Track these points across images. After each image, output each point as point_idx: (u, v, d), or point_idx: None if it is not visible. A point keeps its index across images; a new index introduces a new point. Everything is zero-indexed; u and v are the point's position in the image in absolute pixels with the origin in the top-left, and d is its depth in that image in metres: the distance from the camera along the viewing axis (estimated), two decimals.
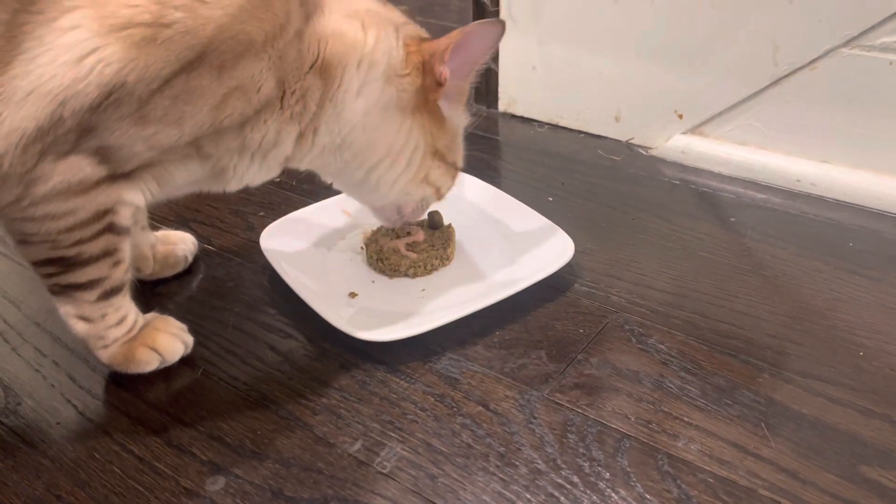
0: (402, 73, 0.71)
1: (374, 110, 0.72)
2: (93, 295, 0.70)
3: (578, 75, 1.21)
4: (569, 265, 0.86)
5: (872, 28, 0.94)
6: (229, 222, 1.03)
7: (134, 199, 0.68)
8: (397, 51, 0.71)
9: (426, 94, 0.73)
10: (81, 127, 0.60)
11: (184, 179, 0.70)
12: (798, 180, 1.05)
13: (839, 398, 0.71)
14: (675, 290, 0.86)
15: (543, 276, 0.83)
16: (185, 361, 0.78)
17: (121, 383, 0.76)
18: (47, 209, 0.62)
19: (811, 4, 0.97)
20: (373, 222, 0.94)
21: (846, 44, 0.97)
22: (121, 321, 0.73)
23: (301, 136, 0.70)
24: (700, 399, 0.71)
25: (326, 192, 1.03)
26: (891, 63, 0.95)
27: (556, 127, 1.26)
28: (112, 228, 0.67)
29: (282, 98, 0.66)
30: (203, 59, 0.60)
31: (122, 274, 0.71)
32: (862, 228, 0.97)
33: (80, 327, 0.72)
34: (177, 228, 1.01)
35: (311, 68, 0.67)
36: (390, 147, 0.74)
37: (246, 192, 1.07)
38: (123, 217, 0.68)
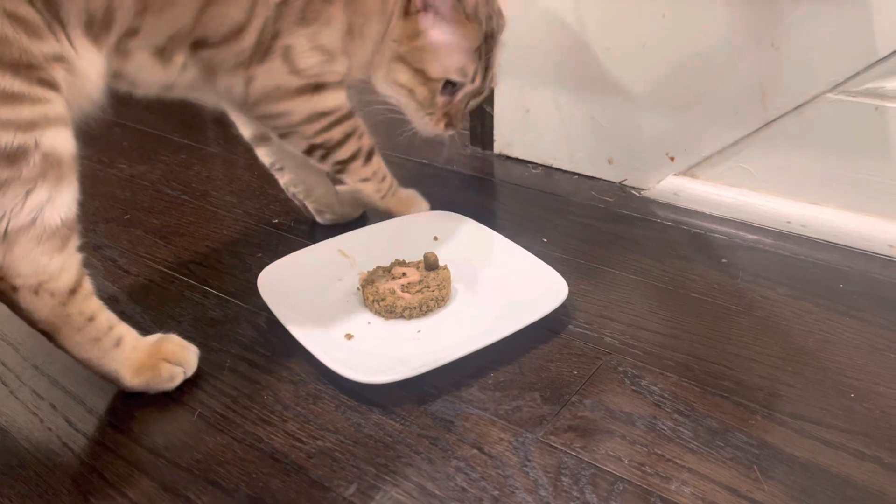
0: None
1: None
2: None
3: (571, 118, 1.23)
4: (563, 306, 0.87)
5: (857, 74, 0.97)
6: (227, 263, 1.04)
7: None
8: None
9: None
10: None
11: None
12: (788, 222, 1.07)
13: (831, 440, 0.72)
14: (668, 331, 0.87)
15: (538, 317, 0.84)
16: (180, 404, 0.79)
17: (117, 427, 0.76)
18: None
19: (796, 51, 0.99)
20: (370, 264, 0.96)
21: (832, 89, 0.99)
22: None
23: None
24: (693, 441, 0.72)
25: (324, 233, 1.05)
26: (876, 108, 0.97)
27: (550, 168, 1.28)
28: None
29: None
30: None
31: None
32: (852, 270, 0.99)
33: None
34: (174, 269, 1.02)
35: None
36: None
37: (244, 234, 1.10)
38: None
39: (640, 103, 1.15)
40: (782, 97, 1.03)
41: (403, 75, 0.96)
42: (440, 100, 0.98)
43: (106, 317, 0.77)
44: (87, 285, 0.75)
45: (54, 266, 0.70)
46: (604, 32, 1.14)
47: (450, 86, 0.97)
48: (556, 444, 0.72)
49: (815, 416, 0.75)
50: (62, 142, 0.68)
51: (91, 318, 0.75)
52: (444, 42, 0.94)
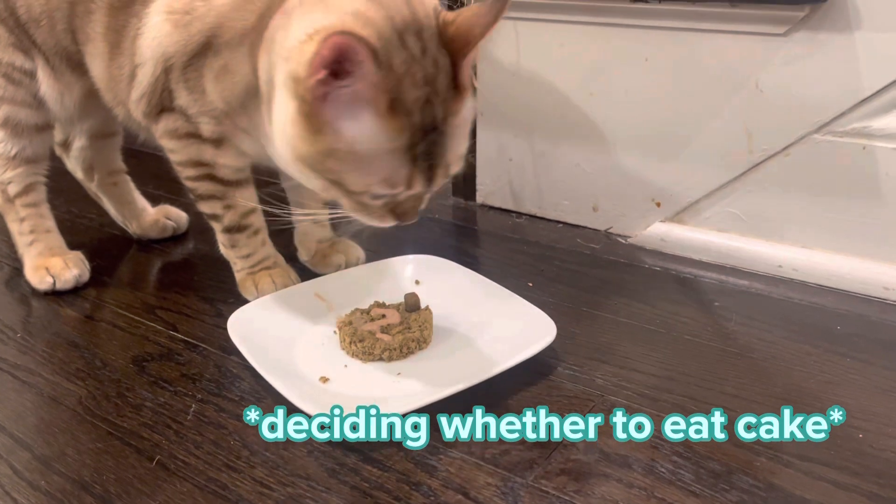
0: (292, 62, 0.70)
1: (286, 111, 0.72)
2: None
3: (555, 167, 1.21)
4: (551, 348, 0.83)
5: (843, 114, 0.95)
6: (197, 309, 0.98)
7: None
8: (300, 33, 0.70)
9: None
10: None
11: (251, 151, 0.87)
12: (780, 266, 1.04)
13: (843, 483, 0.67)
14: (662, 373, 0.83)
15: (524, 357, 0.79)
16: (138, 451, 0.72)
17: (65, 474, 0.69)
18: None
19: (781, 93, 0.99)
20: (347, 308, 0.91)
21: (818, 130, 0.98)
22: None
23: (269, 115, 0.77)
24: (695, 484, 0.66)
25: (299, 276, 1.00)
26: (864, 148, 0.96)
27: (533, 217, 1.26)
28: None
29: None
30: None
31: None
32: (848, 312, 0.95)
33: None
34: (143, 315, 0.97)
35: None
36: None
37: (216, 280, 1.05)
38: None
39: (624, 149, 1.14)
40: (768, 139, 1.01)
41: (316, 181, 0.74)
42: (375, 203, 0.76)
43: (34, 223, 1.04)
44: (31, 198, 1.04)
45: (6, 177, 1.02)
46: (586, 78, 1.13)
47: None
48: (548, 489, 0.66)
49: (824, 458, 0.70)
50: (18, 114, 0.99)
51: (23, 220, 1.04)
52: (360, 145, 0.69)
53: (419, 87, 0.68)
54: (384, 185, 0.72)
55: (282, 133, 0.73)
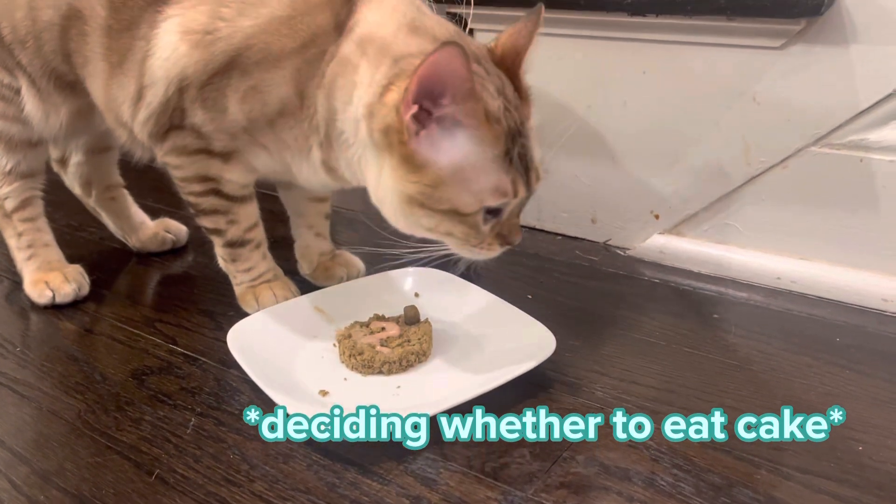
0: (376, 110, 0.74)
1: (357, 138, 0.77)
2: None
3: (553, 179, 1.21)
4: (551, 361, 0.83)
5: (840, 127, 0.96)
6: (197, 322, 0.98)
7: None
8: (375, 86, 0.75)
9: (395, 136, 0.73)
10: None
11: (263, 167, 0.88)
12: (778, 278, 1.04)
13: (843, 495, 0.67)
14: (662, 385, 0.83)
15: (524, 370, 0.79)
16: (137, 465, 0.72)
17: (63, 489, 0.69)
18: None
19: (778, 106, 0.99)
20: (347, 321, 0.91)
21: (815, 142, 0.98)
22: None
23: (321, 144, 0.81)
24: (695, 497, 0.66)
25: (299, 289, 1.00)
26: (861, 160, 0.96)
27: (532, 229, 1.26)
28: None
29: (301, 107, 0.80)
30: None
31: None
32: (847, 324, 0.95)
33: None
34: (142, 329, 0.97)
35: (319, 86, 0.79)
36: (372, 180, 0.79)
37: (216, 293, 1.05)
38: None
39: (622, 161, 1.14)
40: (766, 151, 1.02)
41: (428, 220, 0.76)
42: (486, 228, 0.77)
43: (32, 237, 1.05)
44: (29, 213, 1.04)
45: (2, 192, 1.02)
46: (584, 90, 1.14)
47: (492, 210, 0.76)
48: (548, 503, 0.66)
49: (825, 471, 0.70)
50: (10, 130, 1.00)
51: (20, 234, 1.04)
52: (465, 163, 0.72)
53: (497, 98, 0.74)
54: (495, 195, 0.75)
55: (382, 185, 0.77)
